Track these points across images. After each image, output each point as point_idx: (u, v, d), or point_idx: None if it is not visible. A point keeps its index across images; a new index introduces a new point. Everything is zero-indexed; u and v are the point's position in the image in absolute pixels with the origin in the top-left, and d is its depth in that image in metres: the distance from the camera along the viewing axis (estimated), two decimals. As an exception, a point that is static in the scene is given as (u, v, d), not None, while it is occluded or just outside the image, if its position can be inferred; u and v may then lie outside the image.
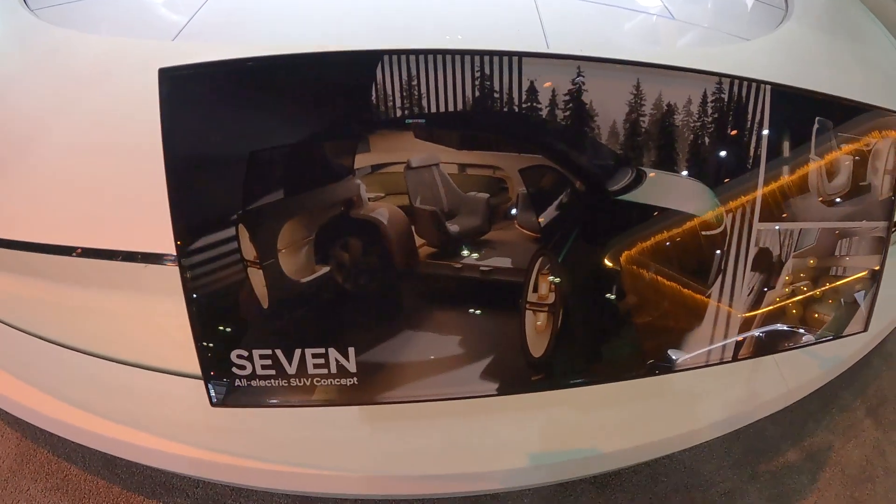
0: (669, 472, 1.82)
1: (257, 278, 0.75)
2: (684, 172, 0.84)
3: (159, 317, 1.51)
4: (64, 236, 1.57)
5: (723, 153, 0.86)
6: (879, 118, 1.12)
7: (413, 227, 0.76)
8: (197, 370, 1.41)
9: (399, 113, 0.71)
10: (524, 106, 0.73)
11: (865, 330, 1.27)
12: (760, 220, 0.93)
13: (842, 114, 1.04)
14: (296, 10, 3.01)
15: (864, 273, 1.21)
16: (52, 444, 1.69)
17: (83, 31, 2.50)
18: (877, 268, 1.21)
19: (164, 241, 1.49)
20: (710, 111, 0.82)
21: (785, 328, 1.06)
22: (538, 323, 0.82)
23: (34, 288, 1.59)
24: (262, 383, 0.81)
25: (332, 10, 3.03)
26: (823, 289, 1.10)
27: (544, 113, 0.73)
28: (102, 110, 1.96)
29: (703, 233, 0.86)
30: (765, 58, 2.82)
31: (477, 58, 0.71)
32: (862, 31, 4.03)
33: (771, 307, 1.00)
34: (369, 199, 0.74)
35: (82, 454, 1.68)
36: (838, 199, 1.05)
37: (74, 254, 1.51)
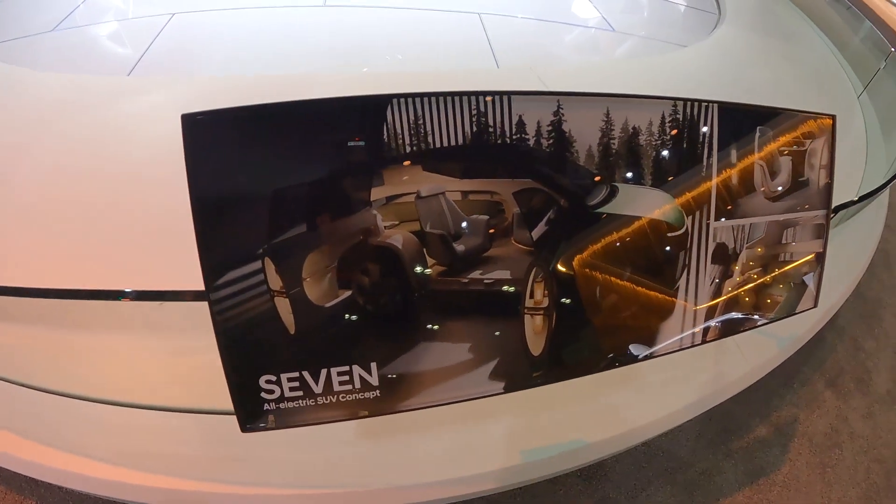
0: (650, 458, 2.06)
1: (284, 307, 0.90)
2: (650, 184, 1.04)
3: (137, 353, 1.61)
4: (30, 278, 1.64)
5: (680, 164, 1.07)
6: (812, 121, 1.38)
7: (424, 250, 0.93)
8: (185, 404, 1.53)
9: (408, 149, 0.87)
10: (514, 137, 0.91)
11: (815, 306, 1.53)
12: (716, 219, 1.15)
13: (780, 121, 1.28)
14: (247, 40, 3.18)
15: (810, 256, 1.46)
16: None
17: (36, 69, 2.57)
18: (820, 250, 1.47)
19: (130, 277, 1.60)
20: (668, 130, 1.03)
21: (744, 311, 1.29)
22: (535, 325, 1.01)
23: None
24: (291, 405, 0.95)
25: (284, 38, 3.21)
26: (774, 273, 1.34)
27: (531, 142, 0.92)
28: (62, 149, 2.05)
29: (669, 234, 1.07)
30: (702, 63, 3.19)
31: (473, 98, 0.88)
32: (791, 29, 4.51)
33: (731, 293, 1.23)
34: (385, 227, 0.90)
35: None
36: (781, 195, 1.30)
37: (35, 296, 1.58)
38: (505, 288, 0.97)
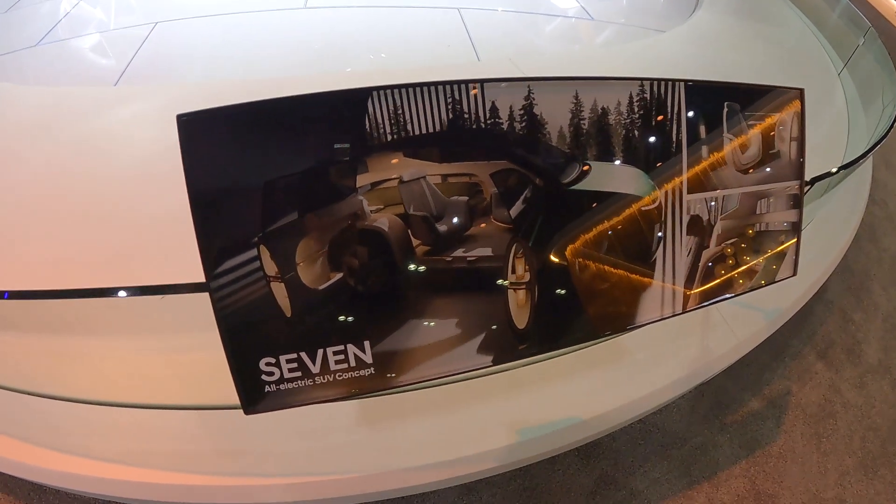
0: (645, 435, 2.14)
1: (280, 291, 0.97)
2: (621, 161, 1.12)
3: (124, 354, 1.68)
4: (20, 282, 1.72)
5: (651, 141, 1.16)
6: (781, 95, 1.47)
7: (409, 231, 1.00)
8: (185, 401, 1.60)
9: (389, 138, 0.95)
10: (489, 122, 0.99)
11: (794, 274, 1.61)
12: (689, 193, 1.23)
13: (747, 95, 1.37)
14: (231, 44, 3.29)
15: (786, 226, 1.55)
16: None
17: (22, 84, 2.65)
18: (795, 220, 1.56)
19: (128, 276, 1.67)
20: (636, 109, 1.11)
21: (723, 280, 1.38)
22: (519, 299, 1.09)
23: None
24: (290, 385, 1.03)
25: (267, 41, 3.31)
26: (751, 243, 1.43)
27: (505, 126, 1.00)
28: (54, 159, 2.13)
29: (643, 208, 1.15)
30: (679, 48, 3.31)
31: (448, 87, 0.96)
32: (769, 10, 4.62)
33: (708, 263, 1.32)
34: (371, 211, 0.97)
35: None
36: (753, 167, 1.38)
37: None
38: (487, 264, 1.05)
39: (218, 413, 1.55)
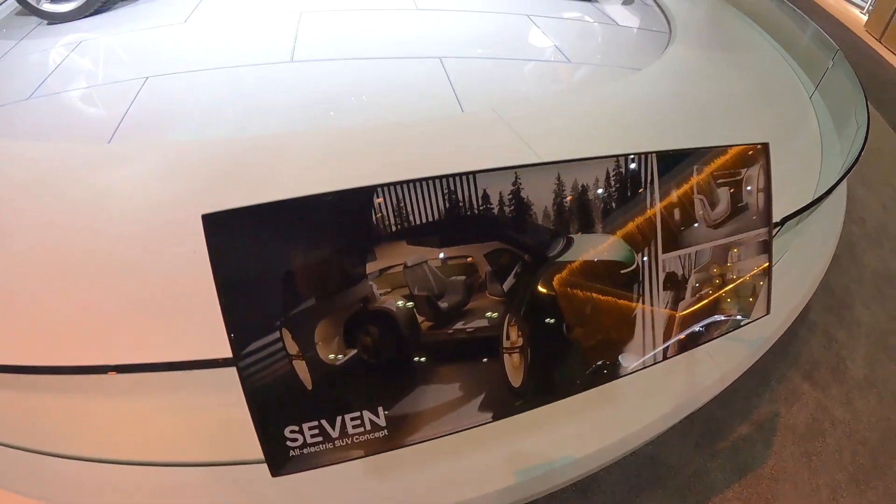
0: (639, 468, 2.26)
1: (301, 368, 1.10)
2: (601, 231, 1.27)
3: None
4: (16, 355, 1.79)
5: (627, 211, 1.30)
6: (747, 152, 1.62)
7: (415, 310, 1.14)
8: (202, 458, 1.70)
9: (394, 228, 1.09)
10: (481, 208, 1.13)
11: (768, 313, 1.76)
12: (664, 252, 1.38)
13: (715, 156, 1.52)
14: (221, 99, 3.42)
15: (757, 270, 1.70)
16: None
17: (16, 139, 2.73)
18: (766, 265, 1.71)
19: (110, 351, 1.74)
20: (613, 183, 1.26)
21: (700, 327, 1.52)
22: (514, 361, 1.22)
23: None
24: (312, 449, 1.16)
25: (256, 95, 3.43)
26: (724, 291, 1.57)
27: (496, 210, 1.14)
28: (53, 217, 2.21)
29: (622, 271, 1.30)
30: (655, 85, 3.48)
31: (445, 180, 1.10)
32: (741, 38, 4.84)
33: (684, 313, 1.46)
34: (380, 294, 1.11)
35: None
36: (723, 221, 1.53)
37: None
38: (484, 334, 1.19)
39: (238, 469, 1.66)
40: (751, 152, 1.60)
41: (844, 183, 3.57)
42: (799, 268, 2.68)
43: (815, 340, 2.92)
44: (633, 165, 1.30)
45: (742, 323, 1.68)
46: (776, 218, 1.88)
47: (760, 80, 3.96)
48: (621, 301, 1.32)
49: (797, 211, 2.07)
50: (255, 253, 1.07)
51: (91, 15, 4.50)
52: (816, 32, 4.32)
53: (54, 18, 4.47)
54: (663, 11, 4.88)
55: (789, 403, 2.61)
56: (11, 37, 4.27)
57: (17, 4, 4.52)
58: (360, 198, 1.07)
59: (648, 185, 1.33)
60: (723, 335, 1.61)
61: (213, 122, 2.99)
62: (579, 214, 1.23)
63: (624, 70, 3.65)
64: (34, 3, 4.37)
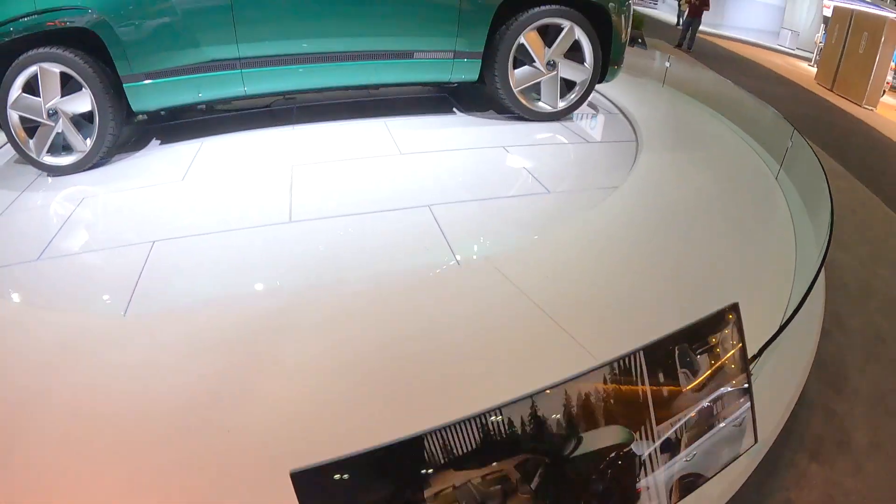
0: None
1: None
2: (603, 424, 1.59)
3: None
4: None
5: (624, 402, 1.62)
6: (720, 317, 1.93)
7: (465, 521, 1.44)
8: None
9: (442, 461, 1.40)
10: (508, 432, 1.45)
11: (756, 441, 2.05)
12: (657, 425, 1.69)
13: (692, 331, 1.84)
14: (228, 262, 3.61)
15: (741, 411, 1.99)
16: None
17: (31, 304, 2.91)
18: (748, 403, 2.01)
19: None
20: (610, 383, 1.59)
21: (695, 474, 1.82)
22: (548, 545, 1.52)
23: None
24: None
25: (260, 257, 3.73)
26: (713, 439, 1.87)
27: (519, 431, 1.46)
28: (63, 396, 2.34)
29: (624, 450, 1.62)
30: (632, 200, 3.84)
31: (478, 417, 1.42)
32: (701, 130, 5.28)
33: (681, 470, 1.76)
34: (437, 513, 1.42)
35: None
36: (704, 384, 1.84)
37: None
38: (522, 529, 1.49)
39: None
40: (724, 317, 1.92)
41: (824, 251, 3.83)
42: (785, 368, 2.87)
43: (815, 419, 3.05)
44: (625, 364, 1.63)
45: (734, 459, 1.97)
46: (754, 350, 2.18)
47: (727, 169, 4.34)
48: (626, 472, 1.63)
49: (771, 339, 2.37)
50: (339, 500, 1.37)
51: (90, 168, 4.73)
52: (774, 116, 4.72)
53: (54, 172, 4.68)
54: (627, 118, 5.27)
55: (799, 487, 2.69)
56: (13, 187, 4.49)
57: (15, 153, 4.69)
58: (415, 443, 1.39)
59: (639, 376, 1.65)
60: (717, 473, 1.90)
61: (224, 285, 3.22)
62: (585, 416, 1.55)
63: (601, 191, 4.04)
64: (34, 156, 4.60)
